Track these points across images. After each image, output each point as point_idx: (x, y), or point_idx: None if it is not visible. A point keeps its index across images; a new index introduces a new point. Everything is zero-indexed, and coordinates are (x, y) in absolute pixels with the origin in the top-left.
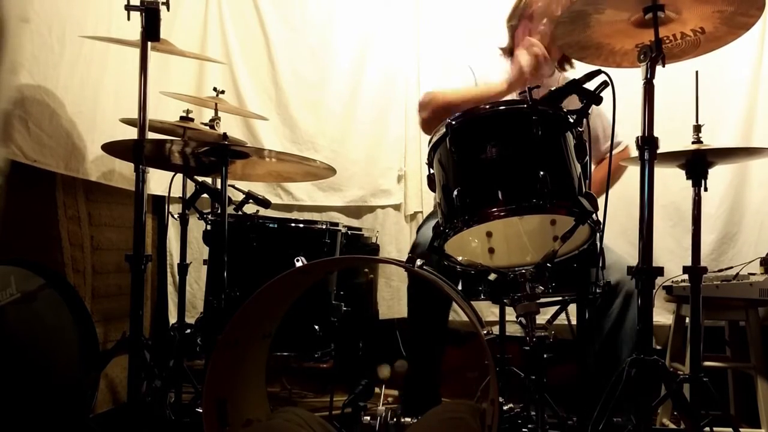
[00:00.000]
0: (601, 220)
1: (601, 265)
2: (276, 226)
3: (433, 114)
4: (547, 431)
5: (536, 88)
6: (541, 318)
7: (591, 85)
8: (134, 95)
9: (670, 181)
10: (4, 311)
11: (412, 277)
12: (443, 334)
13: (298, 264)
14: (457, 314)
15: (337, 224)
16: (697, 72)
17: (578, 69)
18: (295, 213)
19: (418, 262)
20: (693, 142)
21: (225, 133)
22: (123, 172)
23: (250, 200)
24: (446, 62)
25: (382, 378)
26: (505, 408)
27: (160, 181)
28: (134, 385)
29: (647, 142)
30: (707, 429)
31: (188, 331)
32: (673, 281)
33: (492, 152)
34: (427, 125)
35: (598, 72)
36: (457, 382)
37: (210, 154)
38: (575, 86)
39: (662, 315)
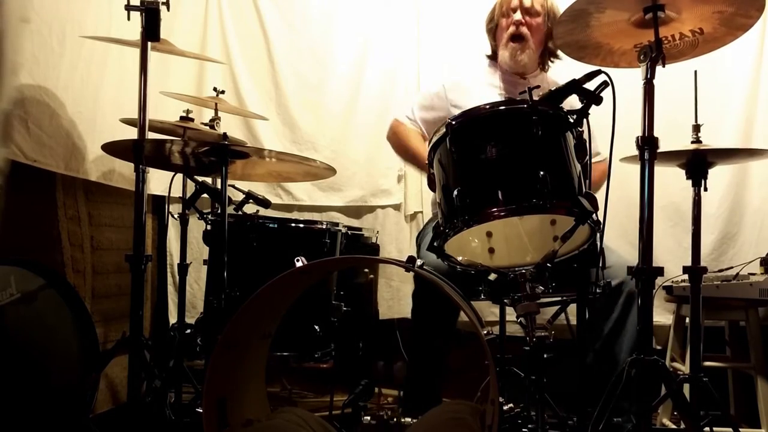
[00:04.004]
0: (601, 220)
1: (601, 265)
2: (276, 226)
3: (392, 143)
4: (547, 431)
5: (536, 88)
6: (541, 318)
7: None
8: (134, 95)
9: (670, 181)
10: (4, 311)
11: (419, 278)
12: (450, 334)
13: (298, 264)
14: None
15: (337, 224)
16: (696, 71)
17: (556, 68)
18: (295, 213)
19: (419, 262)
20: (692, 142)
21: (225, 133)
22: (123, 172)
23: (250, 200)
24: (446, 63)
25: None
26: (505, 408)
27: (160, 181)
28: (134, 385)
29: (647, 142)
30: (707, 429)
31: (188, 331)
32: (673, 281)
33: (492, 152)
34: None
35: (598, 72)
36: (457, 382)
37: (210, 154)
38: (575, 86)
39: (662, 315)
